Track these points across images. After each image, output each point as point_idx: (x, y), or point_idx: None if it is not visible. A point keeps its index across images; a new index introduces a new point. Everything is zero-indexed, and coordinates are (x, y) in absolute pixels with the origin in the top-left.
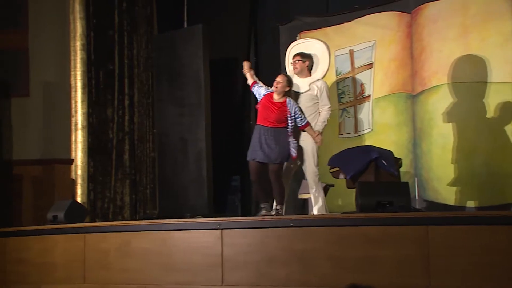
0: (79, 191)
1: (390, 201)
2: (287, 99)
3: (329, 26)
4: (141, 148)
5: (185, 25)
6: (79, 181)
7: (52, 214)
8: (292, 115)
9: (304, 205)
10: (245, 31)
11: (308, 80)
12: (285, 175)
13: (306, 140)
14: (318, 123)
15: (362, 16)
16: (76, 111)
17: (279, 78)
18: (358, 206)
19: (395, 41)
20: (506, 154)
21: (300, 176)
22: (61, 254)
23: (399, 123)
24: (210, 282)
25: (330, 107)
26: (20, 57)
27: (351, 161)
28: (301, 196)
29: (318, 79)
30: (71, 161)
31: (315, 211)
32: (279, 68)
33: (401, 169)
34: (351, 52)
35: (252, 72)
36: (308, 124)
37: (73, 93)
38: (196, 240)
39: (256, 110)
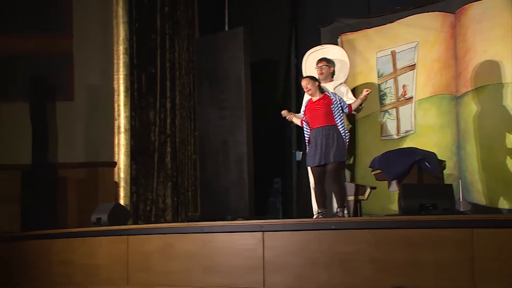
0: (122, 193)
1: (433, 204)
2: (325, 93)
3: (370, 28)
4: (183, 151)
5: (226, 28)
6: (122, 183)
7: (96, 216)
8: (338, 101)
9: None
10: (286, 33)
11: (332, 84)
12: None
13: None
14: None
15: (404, 17)
16: (119, 115)
17: (304, 82)
18: (401, 209)
19: (438, 42)
20: None
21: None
22: (105, 256)
23: (443, 125)
24: (251, 285)
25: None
26: (65, 61)
27: (394, 163)
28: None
29: (341, 83)
30: (114, 164)
31: None
32: None
33: (445, 171)
34: (393, 54)
35: (291, 113)
36: (351, 105)
37: (116, 96)
38: (238, 242)
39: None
